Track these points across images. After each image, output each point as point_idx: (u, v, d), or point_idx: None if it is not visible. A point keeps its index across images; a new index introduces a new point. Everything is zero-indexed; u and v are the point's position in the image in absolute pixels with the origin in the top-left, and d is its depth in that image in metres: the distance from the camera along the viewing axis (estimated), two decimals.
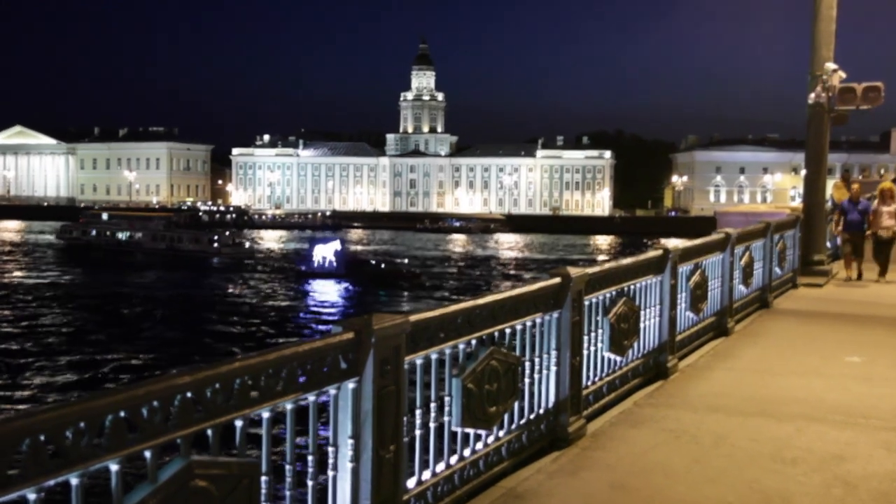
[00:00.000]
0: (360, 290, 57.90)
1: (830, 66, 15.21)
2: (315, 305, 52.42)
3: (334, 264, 65.05)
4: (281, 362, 3.61)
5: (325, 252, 66.20)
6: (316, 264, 65.72)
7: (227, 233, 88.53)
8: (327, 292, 57.96)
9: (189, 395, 3.17)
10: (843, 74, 15.39)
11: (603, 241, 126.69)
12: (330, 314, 48.13)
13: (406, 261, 73.42)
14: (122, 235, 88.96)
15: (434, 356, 4.79)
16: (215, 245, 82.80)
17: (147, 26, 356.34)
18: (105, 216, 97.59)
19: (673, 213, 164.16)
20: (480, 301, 5.22)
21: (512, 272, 74.19)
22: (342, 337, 3.99)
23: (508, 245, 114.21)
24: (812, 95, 15.36)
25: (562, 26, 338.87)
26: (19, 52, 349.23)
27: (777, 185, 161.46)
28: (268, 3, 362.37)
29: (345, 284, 60.84)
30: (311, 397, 3.84)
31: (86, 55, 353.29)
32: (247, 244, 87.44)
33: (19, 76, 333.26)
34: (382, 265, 67.01)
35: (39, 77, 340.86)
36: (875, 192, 17.28)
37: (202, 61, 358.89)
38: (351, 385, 4.08)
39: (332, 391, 4.02)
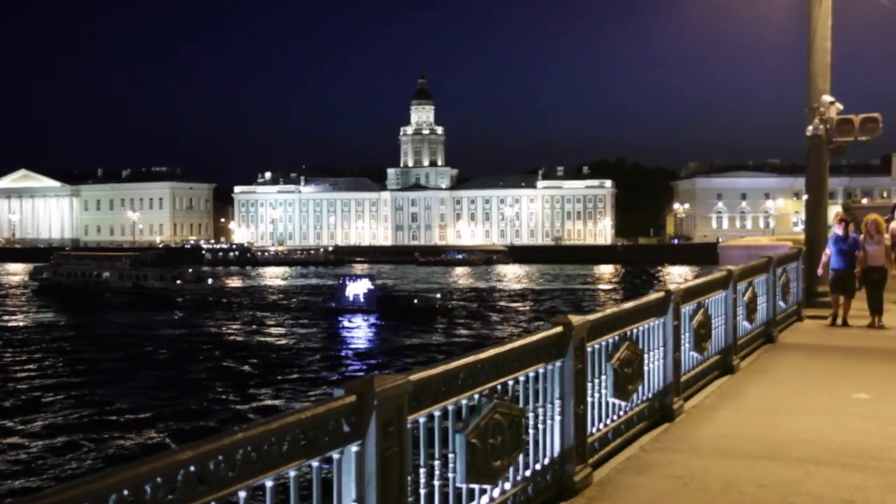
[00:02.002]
0: (391, 326, 58.05)
1: (827, 98, 15.30)
2: (349, 342, 52.57)
3: (364, 301, 65.86)
4: (283, 430, 3.60)
5: (356, 289, 67.40)
6: (346, 301, 66.65)
7: (191, 269, 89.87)
8: (359, 328, 58.36)
9: (192, 469, 3.16)
10: (840, 106, 15.48)
11: (606, 270, 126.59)
12: (362, 350, 48.43)
13: (438, 295, 73.67)
14: (90, 274, 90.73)
15: (437, 413, 4.77)
16: (178, 282, 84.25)
17: (148, 68, 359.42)
18: (75, 257, 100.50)
19: (676, 241, 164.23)
20: (482, 355, 5.20)
21: (523, 306, 73.94)
22: (344, 401, 3.98)
23: (512, 277, 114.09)
24: (810, 128, 15.45)
25: (560, 57, 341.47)
26: (23, 97, 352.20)
27: (779, 211, 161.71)
28: (267, 41, 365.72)
29: (376, 320, 61.18)
30: (315, 463, 3.82)
31: (88, 98, 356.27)
32: (210, 281, 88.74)
33: (24, 120, 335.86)
34: (415, 300, 67.41)
35: (43, 121, 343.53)
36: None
37: (203, 101, 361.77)
38: (354, 448, 4.05)
39: (336, 456, 3.99)
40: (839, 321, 14.72)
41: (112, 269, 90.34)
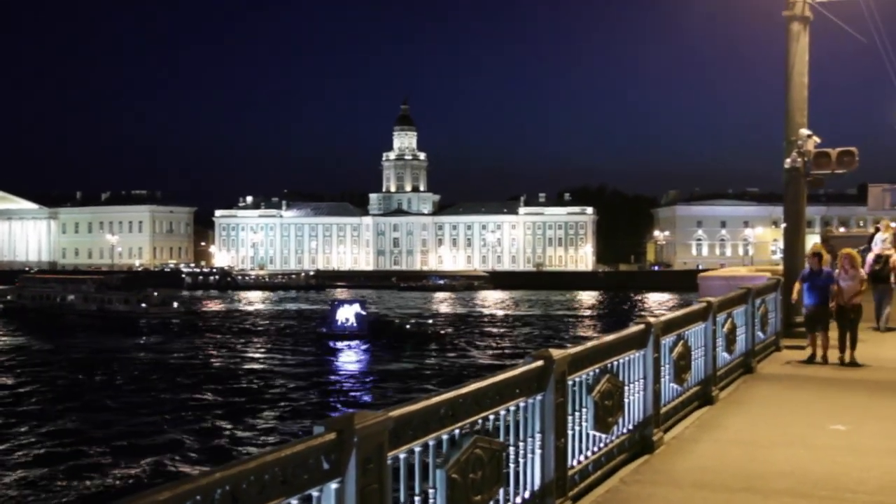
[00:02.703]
0: (383, 352, 57.60)
1: (805, 132, 15.51)
2: (339, 369, 52.07)
3: (355, 325, 65.27)
4: (262, 469, 3.58)
5: (346, 314, 66.68)
6: (337, 326, 66.00)
7: (156, 293, 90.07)
8: (351, 355, 57.83)
9: None
10: (817, 140, 15.69)
11: (587, 296, 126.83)
12: (353, 377, 47.87)
13: (430, 320, 73.41)
14: (54, 297, 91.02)
15: (418, 449, 4.76)
16: (143, 305, 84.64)
17: (128, 90, 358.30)
18: (40, 280, 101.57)
19: (656, 268, 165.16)
20: (463, 390, 5.21)
21: (508, 332, 73.82)
22: (324, 438, 3.97)
23: (494, 302, 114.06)
24: (788, 161, 15.64)
25: (541, 84, 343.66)
26: (0, 117, 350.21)
27: (758, 239, 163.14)
28: (249, 66, 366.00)
29: (368, 346, 60.69)
30: (294, 501, 3.80)
31: (67, 120, 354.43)
32: (175, 304, 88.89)
33: (0, 141, 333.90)
34: (408, 326, 67.11)
35: (20, 142, 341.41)
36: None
37: (184, 124, 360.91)
38: (334, 486, 4.04)
39: (315, 493, 3.98)
40: (818, 359, 14.12)
41: (77, 293, 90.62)
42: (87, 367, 50.73)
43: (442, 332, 67.74)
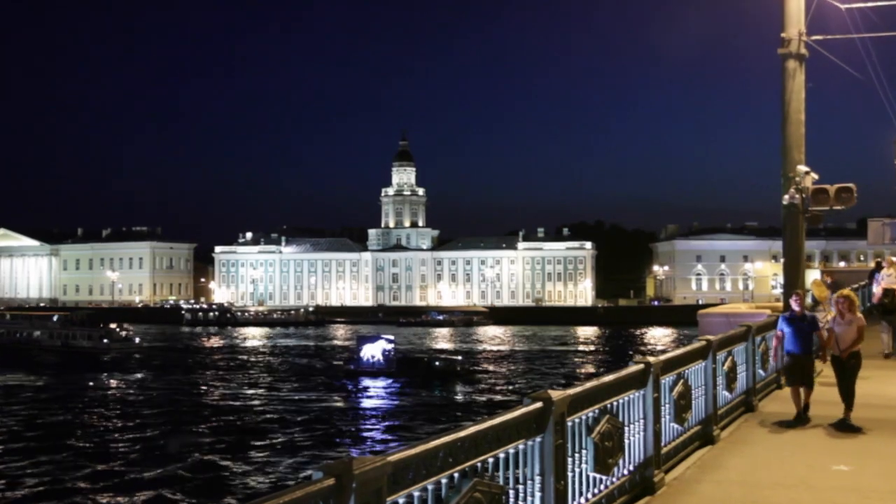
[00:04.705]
0: (410, 390, 56.75)
1: (802, 168, 15.57)
2: (367, 408, 51.08)
3: (382, 362, 64.90)
4: None
5: (372, 351, 66.18)
6: (365, 363, 65.51)
7: (118, 328, 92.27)
8: (376, 392, 57.04)
9: None
10: (815, 176, 15.75)
11: (587, 332, 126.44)
12: (376, 414, 47.24)
13: (460, 357, 73.05)
14: (21, 333, 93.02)
15: (416, 493, 4.73)
16: (105, 341, 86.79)
17: (129, 127, 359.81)
18: (8, 316, 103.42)
19: (656, 303, 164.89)
20: (462, 433, 5.18)
21: (511, 368, 73.34)
22: (323, 484, 3.95)
23: (494, 338, 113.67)
24: (786, 197, 15.68)
25: (540, 120, 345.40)
26: (1, 153, 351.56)
27: (758, 273, 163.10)
28: (248, 101, 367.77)
29: (395, 383, 59.84)
30: None
31: (68, 156, 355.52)
32: (137, 339, 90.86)
33: (1, 179, 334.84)
34: (437, 363, 66.98)
35: (21, 179, 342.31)
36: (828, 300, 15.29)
37: (184, 160, 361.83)
38: None
39: None
40: (795, 417, 12.26)
41: (42, 328, 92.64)
42: (55, 404, 50.02)
43: (471, 368, 66.99)
